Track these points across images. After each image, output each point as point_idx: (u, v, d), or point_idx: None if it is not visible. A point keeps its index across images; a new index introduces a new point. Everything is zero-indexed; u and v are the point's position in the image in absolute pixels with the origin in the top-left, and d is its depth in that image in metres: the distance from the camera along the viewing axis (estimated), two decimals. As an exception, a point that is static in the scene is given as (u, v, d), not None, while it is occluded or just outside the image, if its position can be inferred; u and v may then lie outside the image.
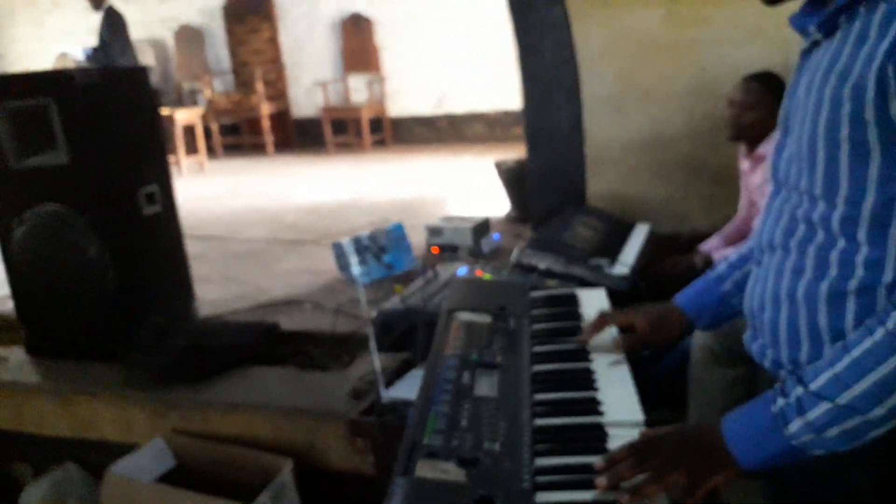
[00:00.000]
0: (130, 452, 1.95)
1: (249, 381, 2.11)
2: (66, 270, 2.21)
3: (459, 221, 3.04)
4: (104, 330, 2.24)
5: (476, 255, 2.92)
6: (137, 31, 7.45)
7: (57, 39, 8.09)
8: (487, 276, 2.23)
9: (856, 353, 0.79)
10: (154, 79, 7.65)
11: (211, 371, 2.12)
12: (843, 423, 0.79)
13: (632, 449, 0.86)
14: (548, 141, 2.97)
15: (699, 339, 1.86)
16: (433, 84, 6.92)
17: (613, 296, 2.10)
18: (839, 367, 0.80)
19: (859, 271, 0.85)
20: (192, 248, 3.52)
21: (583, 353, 1.17)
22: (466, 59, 6.68)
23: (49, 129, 2.08)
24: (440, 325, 1.28)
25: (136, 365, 2.13)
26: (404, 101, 7.07)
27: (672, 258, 2.45)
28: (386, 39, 6.94)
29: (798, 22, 0.94)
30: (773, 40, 2.44)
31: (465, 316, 1.29)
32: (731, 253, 1.23)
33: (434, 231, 3.01)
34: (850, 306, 0.86)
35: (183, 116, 6.27)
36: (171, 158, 6.02)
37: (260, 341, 2.29)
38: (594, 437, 0.93)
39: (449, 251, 2.97)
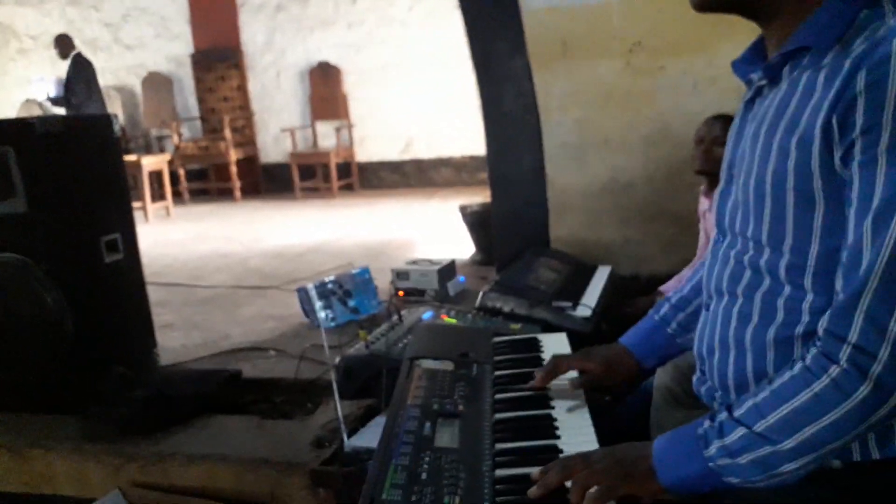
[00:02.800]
0: (86, 507, 1.89)
1: (211, 430, 2.07)
2: (22, 320, 2.16)
3: (425, 265, 3.05)
4: (61, 381, 2.18)
5: (442, 298, 2.94)
6: (106, 78, 7.47)
7: (22, 86, 8.04)
8: (452, 320, 2.24)
9: (775, 384, 0.82)
10: (122, 125, 7.63)
11: (171, 421, 2.08)
12: (756, 451, 0.81)
13: (564, 460, 0.90)
14: (511, 186, 3.03)
15: (660, 381, 1.87)
16: (401, 130, 7.03)
17: (577, 338, 2.13)
18: (760, 396, 0.83)
19: (805, 318, 0.87)
20: (155, 294, 3.48)
21: (544, 400, 1.17)
22: (433, 106, 6.82)
23: (8, 178, 2.06)
24: (402, 374, 1.28)
25: (94, 417, 2.08)
26: (372, 147, 7.16)
27: (633, 300, 2.49)
28: (354, 87, 7.05)
29: (741, 69, 0.98)
30: (725, 90, 2.55)
31: (427, 364, 1.29)
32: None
33: (400, 274, 3.02)
34: (797, 352, 0.88)
35: (150, 162, 6.24)
36: (138, 204, 5.99)
37: (222, 389, 2.25)
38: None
39: (415, 294, 2.98)
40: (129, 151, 7.39)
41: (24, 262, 2.11)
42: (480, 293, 2.34)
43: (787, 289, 0.88)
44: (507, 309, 2.27)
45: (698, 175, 2.32)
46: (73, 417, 2.13)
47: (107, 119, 2.33)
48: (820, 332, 0.80)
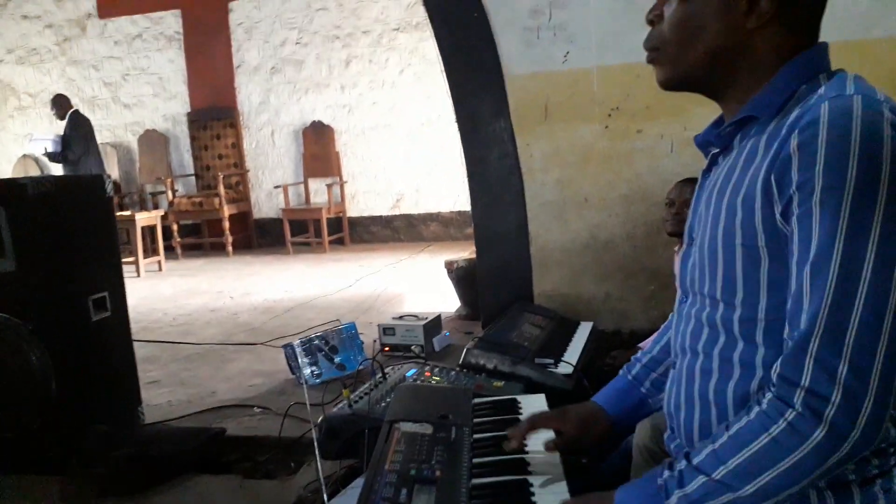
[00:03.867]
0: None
1: (193, 491, 2.05)
2: (6, 378, 2.16)
3: (411, 320, 3.08)
4: (43, 440, 2.18)
5: (428, 353, 2.95)
6: (103, 135, 7.61)
7: (19, 142, 8.16)
8: (436, 377, 2.25)
9: (732, 430, 0.84)
10: (118, 181, 7.72)
11: (153, 481, 2.07)
12: (716, 498, 0.82)
13: None
14: (496, 243, 3.09)
15: (639, 440, 1.89)
16: (391, 186, 7.15)
17: (559, 395, 2.14)
18: (718, 443, 0.84)
19: (759, 372, 0.89)
20: (143, 350, 3.50)
21: (521, 465, 1.17)
22: (422, 163, 6.96)
23: (-2, 237, 2.10)
24: (381, 438, 1.28)
25: (75, 476, 2.06)
26: (363, 202, 7.26)
27: (614, 354, 2.52)
28: (346, 145, 7.19)
29: (700, 139, 1.04)
30: (700, 152, 2.64)
31: (406, 427, 1.30)
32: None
33: (386, 330, 3.04)
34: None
35: (144, 218, 6.30)
36: (130, 259, 6.03)
37: (205, 448, 2.24)
38: None
39: (401, 350, 2.99)
40: (123, 207, 7.47)
41: (11, 321, 2.13)
42: (464, 350, 2.36)
43: (741, 344, 0.91)
44: (490, 366, 2.29)
45: (671, 236, 2.38)
46: (53, 478, 2.12)
47: (99, 179, 2.39)
48: (773, 377, 0.82)
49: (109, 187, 2.42)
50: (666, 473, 0.87)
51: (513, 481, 1.11)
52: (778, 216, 0.84)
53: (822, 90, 0.86)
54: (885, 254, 0.77)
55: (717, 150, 1.00)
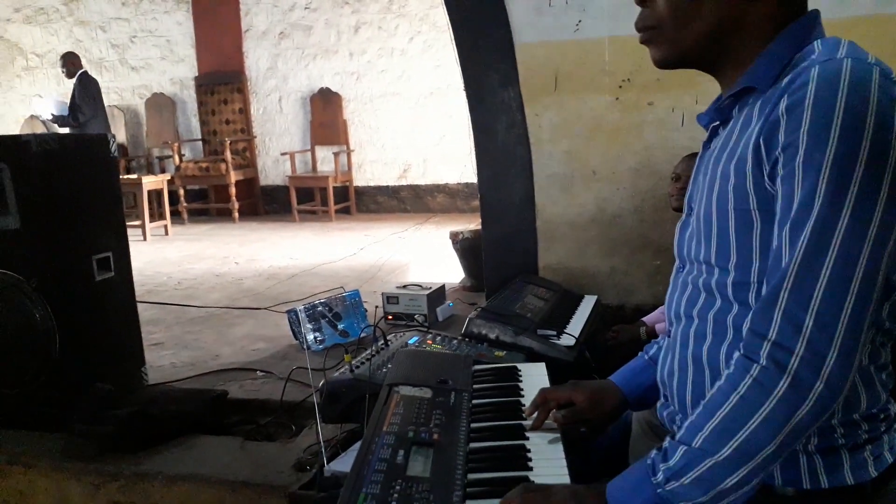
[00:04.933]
0: (64, 526, 1.89)
1: (194, 451, 2.07)
2: (9, 335, 2.17)
3: (415, 289, 3.08)
4: (46, 397, 2.19)
5: (431, 323, 2.95)
6: (110, 97, 7.58)
7: (26, 103, 8.14)
8: (437, 346, 2.25)
9: (707, 398, 0.85)
10: (125, 144, 7.71)
11: (154, 440, 2.09)
12: (698, 467, 0.82)
13: (523, 489, 0.91)
14: (502, 214, 3.07)
15: (639, 412, 1.89)
16: (398, 156, 7.11)
17: (560, 366, 2.14)
18: (696, 413, 0.85)
19: None
20: (148, 313, 3.52)
21: (519, 430, 1.18)
22: (430, 134, 6.91)
23: (1, 194, 2.09)
24: (380, 400, 1.28)
25: (76, 434, 2.08)
26: (370, 172, 7.23)
27: (616, 328, 2.51)
28: (354, 114, 7.14)
29: (703, 119, 1.05)
30: (711, 126, 2.60)
31: (405, 390, 1.30)
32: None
33: (390, 298, 3.04)
34: None
35: (150, 181, 6.30)
36: (136, 223, 6.04)
37: (207, 410, 2.26)
38: None
39: (404, 319, 3.00)
40: (130, 171, 7.46)
41: (14, 277, 2.13)
42: (467, 319, 2.35)
43: (735, 307, 0.92)
44: (492, 336, 2.29)
45: (676, 211, 2.36)
46: (55, 434, 2.14)
47: (103, 138, 2.37)
48: (744, 333, 0.83)
49: (114, 147, 2.40)
50: (654, 453, 0.88)
51: (510, 446, 1.12)
52: (766, 178, 0.85)
53: (814, 55, 0.86)
54: (860, 215, 0.77)
55: (717, 123, 1.01)
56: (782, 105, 0.82)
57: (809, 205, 0.79)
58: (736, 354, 0.84)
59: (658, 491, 0.84)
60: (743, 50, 0.94)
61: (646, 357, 1.25)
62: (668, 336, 1.06)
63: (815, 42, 0.89)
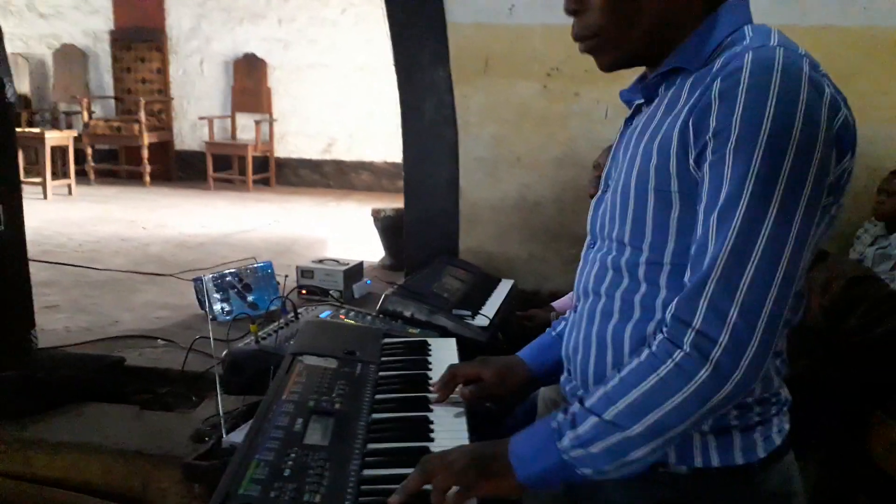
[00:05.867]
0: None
1: (85, 418, 1.97)
2: None
3: (332, 264, 3.03)
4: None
5: (347, 299, 2.91)
6: (14, 45, 7.04)
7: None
8: (350, 321, 2.22)
9: (624, 372, 0.85)
10: (28, 95, 7.19)
11: (41, 406, 1.96)
12: (606, 438, 0.83)
13: (423, 462, 0.89)
14: (425, 194, 3.05)
15: (544, 392, 1.92)
16: (323, 130, 6.95)
17: (473, 346, 2.15)
18: (609, 385, 0.86)
19: (658, 314, 0.90)
20: (43, 274, 3.31)
21: (423, 402, 1.17)
22: (357, 110, 6.78)
23: None
24: (281, 369, 1.25)
25: (-47, 397, 1.93)
26: (292, 144, 7.04)
27: (529, 311, 2.55)
28: (279, 82, 6.92)
29: (626, 96, 1.03)
30: (632, 120, 2.67)
31: (310, 360, 1.27)
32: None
33: (305, 272, 2.97)
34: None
35: (54, 137, 5.90)
36: (37, 180, 5.66)
37: (102, 376, 2.14)
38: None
39: (319, 294, 2.94)
40: (33, 124, 6.97)
41: None
42: (383, 296, 2.33)
43: (644, 286, 0.92)
44: (407, 313, 2.27)
45: (591, 199, 2.40)
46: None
47: (-1, 82, 2.19)
48: (667, 318, 0.84)
49: (10, 93, 2.23)
50: (560, 416, 0.88)
51: (413, 417, 1.11)
52: (692, 161, 0.84)
53: (746, 41, 0.86)
54: (788, 206, 0.78)
55: (641, 101, 0.99)
56: (715, 89, 0.82)
57: (738, 195, 0.79)
58: (659, 336, 0.84)
59: (563, 457, 0.85)
60: (678, 34, 0.92)
61: (553, 333, 1.26)
62: (574, 311, 1.06)
63: (746, 27, 0.89)
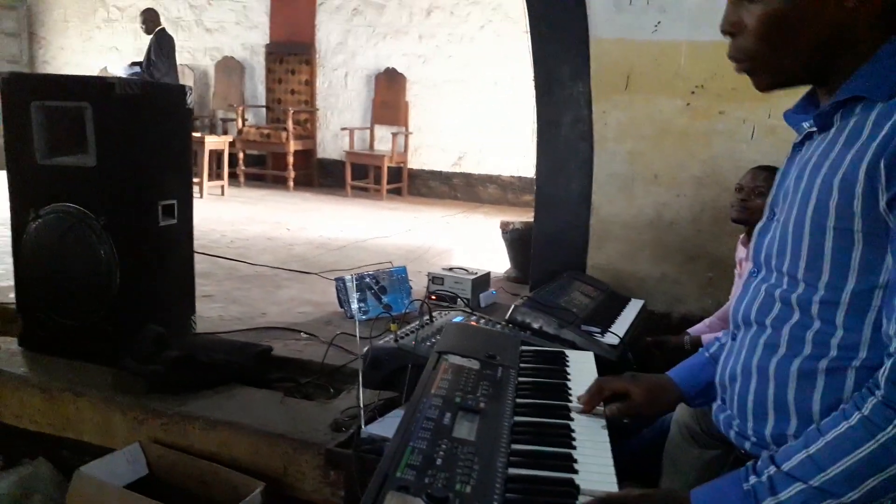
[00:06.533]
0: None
1: (235, 400, 2.13)
2: (73, 268, 2.26)
3: (461, 273, 3.10)
4: (101, 332, 2.28)
5: (473, 307, 2.97)
6: (183, 56, 7.77)
7: (103, 54, 8.40)
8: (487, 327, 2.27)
9: (831, 436, 0.81)
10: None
11: (199, 385, 2.15)
12: None
13: (599, 501, 0.88)
14: (556, 208, 3.06)
15: (679, 417, 1.87)
16: (454, 143, 7.12)
17: (601, 364, 2.14)
18: (813, 449, 0.81)
19: (833, 352, 0.88)
20: (201, 265, 3.59)
21: (564, 410, 1.18)
22: (488, 124, 6.90)
23: (81, 132, 2.17)
24: (429, 365, 1.30)
25: (126, 370, 2.16)
26: (425, 156, 7.26)
27: (663, 336, 2.49)
28: (416, 96, 7.17)
29: (792, 118, 1.00)
30: (782, 141, 2.54)
31: (454, 359, 1.32)
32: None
33: (435, 279, 3.06)
34: (819, 385, 0.89)
35: (213, 142, 6.45)
36: (196, 180, 6.18)
37: (251, 362, 2.32)
38: (565, 493, 0.93)
39: (448, 300, 3.02)
40: (194, 129, 7.63)
41: (85, 213, 2.22)
42: (512, 306, 2.36)
43: (817, 323, 0.89)
44: (536, 325, 2.29)
45: (735, 223, 2.31)
46: (106, 368, 2.23)
47: (182, 90, 2.44)
48: (881, 380, 0.80)
49: (191, 100, 2.47)
50: (752, 479, 0.85)
51: (555, 423, 1.13)
52: (883, 204, 0.80)
53: None
54: None
55: (814, 129, 0.95)
56: None
57: None
58: (871, 400, 0.80)
59: None
60: (849, 58, 0.89)
61: (706, 354, 1.23)
62: (733, 339, 1.04)
63: None
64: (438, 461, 0.94)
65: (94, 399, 2.14)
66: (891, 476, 0.77)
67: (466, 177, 7.17)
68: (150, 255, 2.35)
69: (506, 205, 6.85)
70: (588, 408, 1.18)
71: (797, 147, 0.99)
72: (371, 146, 7.31)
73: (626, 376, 1.22)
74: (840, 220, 0.85)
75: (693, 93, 2.78)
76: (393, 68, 7.18)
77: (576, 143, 2.97)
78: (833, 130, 0.91)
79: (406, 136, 7.14)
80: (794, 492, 0.81)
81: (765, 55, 0.90)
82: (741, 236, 2.39)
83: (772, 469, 0.83)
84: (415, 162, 7.28)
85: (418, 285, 3.12)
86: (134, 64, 6.77)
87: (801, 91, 1.02)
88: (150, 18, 6.69)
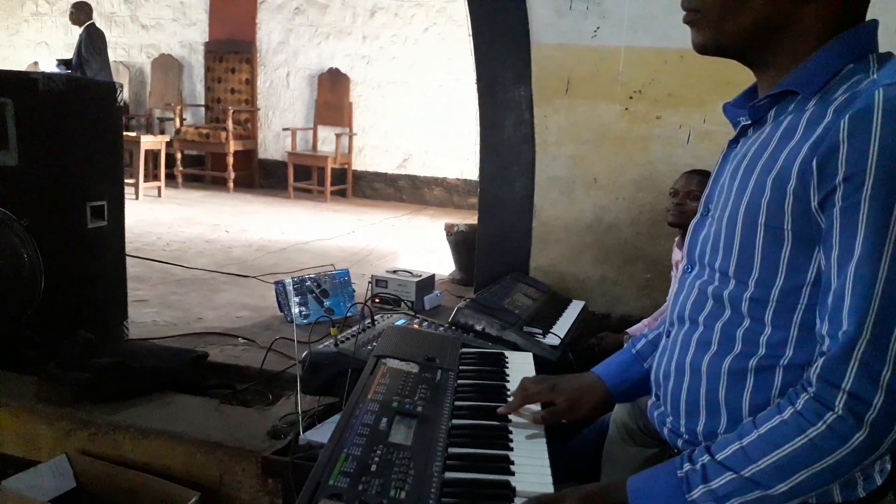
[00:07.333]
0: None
1: (169, 408, 2.06)
2: (-4, 272, 2.15)
3: (405, 275, 3.08)
4: (25, 339, 2.18)
5: (417, 310, 2.96)
6: (117, 53, 7.50)
7: (31, 49, 8.04)
8: (428, 330, 2.26)
9: (764, 429, 0.83)
10: (126, 101, 7.63)
11: (130, 393, 2.07)
12: (745, 495, 0.82)
13: (531, 502, 0.88)
14: (499, 211, 3.08)
15: (617, 416, 1.90)
16: (399, 145, 7.10)
17: (542, 364, 2.16)
18: (746, 440, 0.83)
19: (762, 350, 0.89)
20: (134, 269, 3.49)
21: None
22: (434, 127, 6.89)
23: (3, 130, 2.07)
24: (366, 370, 1.29)
25: (52, 379, 2.06)
26: (370, 157, 7.21)
27: (601, 335, 2.53)
28: (360, 97, 7.12)
29: (731, 112, 1.01)
30: (718, 145, 2.62)
31: (392, 363, 1.31)
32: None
33: (379, 282, 3.04)
34: (749, 384, 0.90)
35: (149, 141, 6.25)
36: (130, 181, 5.99)
37: (186, 369, 2.24)
38: (501, 496, 0.94)
39: (391, 303, 3.00)
40: (129, 129, 7.39)
41: (5, 214, 2.11)
42: (455, 308, 2.36)
43: (747, 321, 0.90)
44: (478, 327, 2.30)
45: (671, 227, 2.37)
46: (31, 377, 2.12)
47: (112, 86, 2.36)
48: (812, 377, 0.81)
49: (121, 97, 2.39)
50: (687, 466, 0.86)
51: (493, 425, 1.13)
52: (814, 204, 0.82)
53: (874, 74, 0.83)
54: None
55: (748, 122, 0.96)
56: (843, 129, 0.78)
57: (879, 245, 0.77)
58: (804, 396, 0.82)
59: None
60: (790, 49, 0.89)
61: (633, 351, 1.24)
62: (667, 336, 1.05)
63: (871, 56, 0.86)
64: (373, 467, 0.93)
65: (15, 410, 2.04)
66: (818, 471, 0.79)
67: (412, 179, 7.15)
68: (78, 258, 2.26)
69: (451, 207, 6.86)
70: (505, 411, 1.18)
71: (732, 143, 1.00)
72: (314, 147, 7.22)
73: (549, 385, 1.22)
74: (771, 218, 0.86)
75: (631, 98, 2.84)
76: (336, 68, 7.10)
77: (518, 146, 2.99)
78: (768, 127, 0.92)
79: (350, 138, 7.08)
80: (724, 480, 0.82)
81: (714, 11, 0.90)
82: (676, 239, 2.45)
83: (706, 458, 0.85)
84: (359, 163, 7.22)
85: (362, 288, 3.09)
86: (62, 62, 6.47)
87: (737, 92, 1.03)
88: (81, 10, 6.43)
